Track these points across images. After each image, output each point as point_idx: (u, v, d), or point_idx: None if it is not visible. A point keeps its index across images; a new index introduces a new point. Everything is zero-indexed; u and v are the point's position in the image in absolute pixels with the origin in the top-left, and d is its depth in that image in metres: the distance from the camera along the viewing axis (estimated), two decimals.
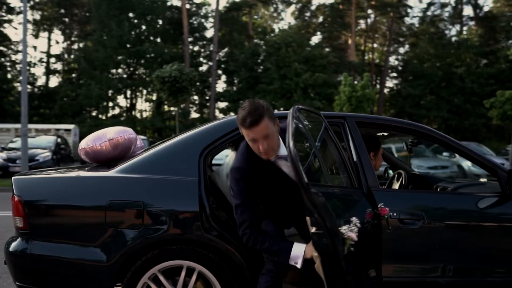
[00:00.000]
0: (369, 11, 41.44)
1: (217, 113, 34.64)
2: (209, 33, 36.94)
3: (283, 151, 2.24)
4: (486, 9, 42.95)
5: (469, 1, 42.83)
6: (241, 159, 2.28)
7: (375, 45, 44.51)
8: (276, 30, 37.07)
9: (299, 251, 2.15)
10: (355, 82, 15.63)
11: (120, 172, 2.49)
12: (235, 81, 34.93)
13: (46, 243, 2.38)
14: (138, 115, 36.18)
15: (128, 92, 34.83)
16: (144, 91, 35.58)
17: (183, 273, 2.39)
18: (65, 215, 2.40)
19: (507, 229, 2.74)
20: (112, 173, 2.49)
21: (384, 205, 2.46)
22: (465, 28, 42.78)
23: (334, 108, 15.19)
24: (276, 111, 2.77)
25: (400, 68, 44.36)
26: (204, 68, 35.96)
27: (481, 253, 2.67)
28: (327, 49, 35.35)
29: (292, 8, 41.19)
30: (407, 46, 44.56)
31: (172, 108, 34.37)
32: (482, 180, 4.38)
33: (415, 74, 36.99)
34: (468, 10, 52.07)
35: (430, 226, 2.56)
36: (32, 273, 2.37)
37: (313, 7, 40.03)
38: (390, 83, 44.67)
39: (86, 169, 2.78)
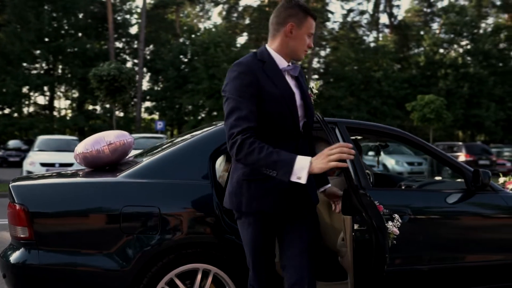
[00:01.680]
0: None
1: (142, 112, 33.72)
2: (134, 30, 35.90)
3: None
4: (399, 18, 46.27)
5: (385, 10, 45.85)
6: (246, 57, 2.03)
7: None
8: (203, 30, 36.91)
9: (303, 163, 1.76)
10: None
11: (130, 177, 2.45)
12: (161, 80, 34.27)
13: (55, 252, 2.27)
14: (56, 113, 34.17)
15: (46, 89, 32.69)
16: (62, 88, 33.67)
17: (199, 276, 2.42)
18: (76, 223, 2.31)
19: (474, 220, 3.11)
20: (123, 178, 2.44)
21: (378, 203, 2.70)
22: (381, 35, 45.73)
23: None
24: None
25: (322, 70, 46.30)
26: (128, 65, 34.85)
27: (454, 242, 3.02)
28: (253, 50, 35.92)
29: (220, 8, 41.30)
30: (328, 49, 46.65)
31: (95, 107, 32.96)
32: (437, 178, 4.83)
33: (336, 77, 38.80)
34: (384, 18, 55.71)
35: (414, 221, 2.84)
36: (40, 284, 2.26)
37: (240, 8, 40.38)
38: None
39: (86, 173, 2.70)
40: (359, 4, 46.63)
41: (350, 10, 46.45)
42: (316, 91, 2.38)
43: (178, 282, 2.38)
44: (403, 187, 3.99)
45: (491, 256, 3.10)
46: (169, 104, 32.67)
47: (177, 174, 2.50)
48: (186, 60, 32.74)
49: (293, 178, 1.77)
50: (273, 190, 1.93)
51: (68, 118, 32.09)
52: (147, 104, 35.07)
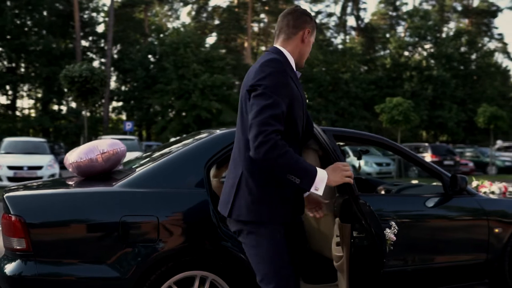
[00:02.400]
0: (262, 15, 42.98)
1: (110, 112, 33.10)
2: (101, 28, 35.20)
3: None
4: (366, 20, 47.27)
5: (352, 13, 46.75)
6: (275, 55, 1.92)
7: (264, 48, 46.26)
8: (171, 29, 36.60)
9: (323, 175, 1.77)
10: None
11: (127, 186, 2.46)
12: (130, 80, 33.75)
13: (54, 263, 2.26)
14: (19, 113, 33.08)
15: (8, 88, 31.57)
16: (26, 87, 32.61)
17: (196, 283, 2.46)
18: (74, 233, 2.30)
19: (451, 223, 3.28)
20: (120, 187, 2.46)
21: None
22: (348, 37, 46.60)
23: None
24: None
25: None
26: (95, 65, 34.12)
27: (434, 244, 3.18)
28: (222, 51, 35.89)
29: (189, 8, 41.06)
30: None
31: (61, 108, 32.11)
32: (414, 182, 5.04)
33: (305, 78, 39.25)
34: (351, 21, 56.78)
35: (399, 224, 2.98)
36: None
37: (210, 9, 40.24)
38: None
39: (80, 183, 2.69)
40: (327, 6, 47.39)
41: (318, 12, 47.10)
42: None
43: None
44: (382, 192, 4.16)
45: (466, 256, 3.28)
46: (137, 105, 32.22)
47: (174, 183, 2.54)
48: (155, 60, 32.36)
49: (312, 189, 1.77)
50: (290, 199, 1.91)
51: (32, 118, 31.14)
52: (115, 104, 34.51)
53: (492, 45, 47.53)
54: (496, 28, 50.60)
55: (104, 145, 2.77)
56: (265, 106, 1.74)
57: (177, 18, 43.26)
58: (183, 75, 29.59)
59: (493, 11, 48.38)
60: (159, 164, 2.62)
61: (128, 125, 22.33)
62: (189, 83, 29.45)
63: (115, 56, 33.27)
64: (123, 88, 35.02)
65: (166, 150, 3.06)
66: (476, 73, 41.66)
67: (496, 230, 3.36)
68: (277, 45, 2.02)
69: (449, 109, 36.75)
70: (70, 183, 2.77)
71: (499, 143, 22.89)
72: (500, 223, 3.39)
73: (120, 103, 34.27)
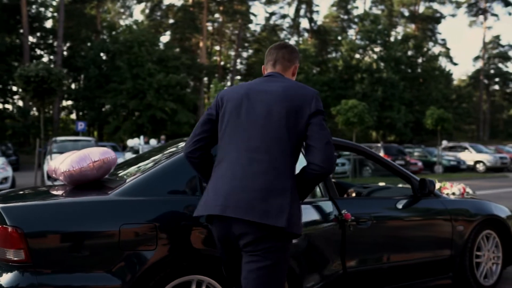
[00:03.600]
0: (216, 15, 42.94)
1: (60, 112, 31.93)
2: (50, 24, 33.86)
3: None
4: (319, 23, 48.33)
5: (305, 15, 47.65)
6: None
7: (218, 48, 46.25)
8: (124, 27, 35.80)
9: None
10: (211, 86, 16.31)
11: (124, 195, 2.50)
12: (81, 79, 32.73)
13: (54, 274, 2.26)
14: None
15: None
16: None
17: (193, 287, 2.55)
18: (74, 243, 2.29)
19: (420, 222, 3.55)
20: (117, 196, 2.49)
21: (347, 211, 3.04)
22: (301, 38, 47.47)
23: (203, 111, 15.54)
24: None
25: (243, 71, 46.98)
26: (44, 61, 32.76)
27: (406, 242, 3.43)
28: (176, 50, 35.56)
29: (142, 5, 40.30)
30: (250, 51, 47.47)
31: (7, 107, 30.56)
32: (381, 184, 5.33)
33: None
34: (305, 23, 57.81)
35: (375, 225, 3.20)
36: None
37: (164, 7, 39.69)
38: None
39: (75, 191, 2.69)
40: (281, 8, 48.07)
41: (272, 14, 47.66)
42: None
43: None
44: (353, 194, 4.40)
45: (433, 253, 3.56)
46: (89, 104, 31.29)
47: (169, 189, 2.61)
48: (108, 58, 31.54)
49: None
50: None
51: None
52: (65, 103, 33.34)
53: (437, 49, 50.09)
54: (440, 33, 53.28)
55: (96, 154, 2.78)
56: (328, 132, 1.99)
57: (130, 15, 42.33)
58: (138, 74, 29.09)
59: (437, 18, 50.97)
60: (154, 172, 2.67)
61: (81, 125, 21.64)
62: (143, 83, 28.98)
63: (65, 53, 32.12)
64: (73, 86, 33.88)
65: (156, 157, 3.11)
66: (422, 76, 43.74)
67: (458, 228, 3.67)
68: (279, 72, 2.18)
69: (397, 110, 38.34)
70: (61, 192, 2.77)
71: (444, 143, 24.19)
72: (462, 221, 3.71)
73: (70, 102, 33.17)
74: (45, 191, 2.88)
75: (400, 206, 3.48)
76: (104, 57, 31.58)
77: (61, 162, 2.80)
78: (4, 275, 2.30)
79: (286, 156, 1.95)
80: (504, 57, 56.60)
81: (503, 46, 56.61)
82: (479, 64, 56.46)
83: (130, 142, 15.07)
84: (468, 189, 4.34)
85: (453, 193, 4.15)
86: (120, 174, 3.06)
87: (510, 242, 4.08)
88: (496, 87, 59.88)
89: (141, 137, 16.10)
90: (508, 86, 59.80)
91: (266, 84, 2.07)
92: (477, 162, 22.47)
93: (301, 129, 1.96)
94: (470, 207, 3.87)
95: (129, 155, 13.56)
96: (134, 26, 32.94)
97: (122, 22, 39.55)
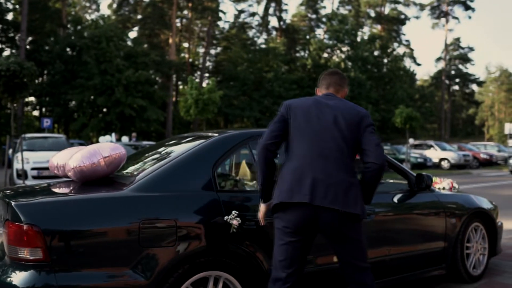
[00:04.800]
0: (185, 11, 42.51)
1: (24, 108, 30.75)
2: (10, 16, 32.52)
3: None
4: (287, 21, 48.67)
5: (274, 13, 47.87)
6: None
7: (187, 45, 45.84)
8: (90, 21, 34.90)
9: None
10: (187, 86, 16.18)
11: (141, 190, 2.46)
12: (46, 74, 31.67)
13: (73, 272, 2.19)
14: None
15: None
16: None
17: (211, 283, 2.54)
18: (93, 240, 2.24)
19: (419, 215, 3.66)
20: (134, 192, 2.45)
21: None
22: (270, 37, 47.66)
23: (180, 110, 15.37)
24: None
25: (211, 68, 46.77)
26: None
27: (406, 234, 3.54)
28: (145, 46, 35.00)
29: (110, 0, 39.40)
30: (219, 48, 47.30)
31: None
32: None
33: (229, 76, 39.57)
34: (273, 21, 58.07)
35: (375, 219, 3.29)
36: None
37: (133, 2, 38.94)
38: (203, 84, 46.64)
39: (89, 188, 2.63)
40: (250, 6, 48.06)
41: (241, 11, 47.62)
42: None
43: None
44: None
45: (429, 244, 3.68)
46: (55, 100, 30.32)
47: (185, 185, 2.59)
48: (74, 53, 30.64)
49: None
50: None
51: None
52: (28, 99, 32.14)
53: (401, 50, 51.43)
54: (404, 34, 54.80)
55: (106, 149, 2.74)
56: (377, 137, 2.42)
57: (97, 10, 41.28)
58: (106, 70, 28.43)
59: (402, 19, 52.34)
60: (169, 167, 2.64)
61: (46, 122, 21.02)
62: (112, 79, 28.36)
63: (28, 46, 30.96)
64: (36, 81, 32.72)
65: (164, 152, 3.08)
66: (388, 75, 44.76)
67: (451, 221, 3.82)
68: (334, 93, 2.56)
69: (365, 109, 39.10)
70: (72, 188, 2.70)
71: (411, 141, 24.90)
72: (454, 215, 3.86)
73: (32, 98, 32.03)
74: (55, 188, 2.80)
75: (396, 200, 3.57)
76: (70, 52, 30.66)
77: (70, 158, 2.73)
78: (18, 274, 2.23)
79: (350, 158, 2.36)
80: (464, 59, 58.83)
81: (463, 48, 58.82)
82: (441, 65, 58.45)
83: (102, 139, 14.73)
84: (455, 184, 4.51)
85: (443, 188, 4.31)
86: (125, 170, 3.02)
87: (495, 234, 4.27)
88: (456, 87, 62.17)
89: (113, 134, 15.77)
90: (468, 87, 62.19)
91: (328, 100, 2.45)
92: (442, 159, 23.27)
93: (358, 138, 2.37)
94: (461, 201, 4.03)
95: None
96: (101, 21, 32.16)
97: (88, 17, 38.54)
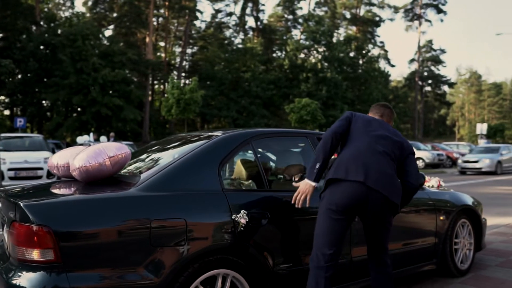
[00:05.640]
0: (161, 10, 42.12)
1: None
2: None
3: None
4: (265, 22, 48.81)
5: (251, 13, 47.94)
6: None
7: (163, 44, 45.42)
8: (64, 19, 34.17)
9: None
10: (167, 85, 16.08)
11: (147, 190, 2.46)
12: (18, 72, 30.82)
13: (85, 272, 2.18)
14: None
15: None
16: None
17: (219, 281, 2.56)
18: (105, 240, 2.22)
19: (414, 212, 3.76)
20: (142, 191, 2.45)
21: None
22: (248, 37, 47.69)
23: (161, 110, 15.24)
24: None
25: (188, 68, 46.49)
26: None
27: (400, 231, 3.61)
28: (121, 44, 34.53)
29: None
30: (196, 48, 47.05)
31: None
32: None
33: (207, 76, 39.42)
34: (251, 21, 58.08)
35: None
36: None
37: (108, 0, 38.31)
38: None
39: (88, 188, 2.61)
40: (226, 5, 47.96)
41: (218, 11, 47.50)
42: None
43: None
44: None
45: (422, 240, 3.80)
46: (28, 99, 29.57)
47: (192, 184, 2.60)
48: (49, 51, 29.94)
49: None
50: None
51: None
52: (1, 97, 31.29)
53: (376, 51, 52.32)
54: (379, 36, 55.74)
55: (112, 149, 2.72)
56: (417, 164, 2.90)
57: (71, 7, 40.43)
58: (82, 69, 27.91)
59: (377, 21, 53.25)
60: (175, 166, 2.65)
61: (20, 122, 20.52)
62: (88, 78, 27.87)
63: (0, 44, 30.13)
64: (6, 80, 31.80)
65: (165, 151, 3.09)
66: (363, 76, 45.46)
67: (441, 218, 3.95)
68: (386, 120, 3.03)
69: (341, 109, 39.60)
70: (77, 188, 2.68)
71: None
72: (444, 211, 3.99)
73: (2, 97, 31.17)
74: (60, 188, 2.77)
75: None
76: (44, 50, 29.97)
77: (74, 158, 2.71)
78: (28, 276, 2.19)
79: (394, 164, 2.76)
80: (436, 61, 60.27)
81: (435, 50, 60.26)
82: (414, 66, 59.70)
83: (80, 139, 14.50)
84: (442, 182, 4.66)
85: (432, 186, 4.45)
86: (129, 169, 3.01)
87: (480, 229, 4.44)
88: (429, 88, 63.64)
89: (91, 134, 15.52)
90: (439, 88, 63.73)
91: (384, 123, 2.92)
92: (417, 158, 23.79)
93: (399, 157, 2.79)
94: (450, 198, 4.17)
95: None
96: (75, 19, 31.55)
97: (62, 14, 37.71)
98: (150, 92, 40.08)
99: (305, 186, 2.68)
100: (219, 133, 3.03)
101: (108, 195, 2.45)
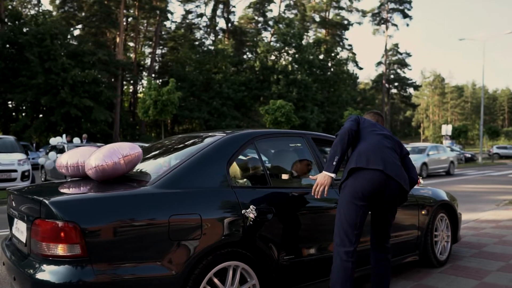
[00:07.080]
0: (131, 10, 41.61)
1: None
2: None
3: None
4: (235, 23, 48.93)
5: (222, 15, 47.97)
6: None
7: (132, 45, 44.86)
8: (30, 17, 33.26)
9: None
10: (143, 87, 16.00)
11: (163, 187, 2.61)
12: None
13: (109, 266, 2.30)
14: None
15: None
16: None
17: (230, 272, 2.73)
18: (129, 235, 2.36)
19: (399, 208, 4.03)
20: (158, 188, 2.59)
21: None
22: (218, 38, 47.70)
23: (138, 111, 15.15)
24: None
25: (158, 69, 46.09)
26: None
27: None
28: (89, 44, 33.93)
29: None
30: (166, 49, 46.71)
31: None
32: None
33: (178, 77, 39.23)
34: (221, 23, 58.04)
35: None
36: None
37: None
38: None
39: (103, 185, 2.73)
40: (197, 6, 47.81)
41: (188, 12, 47.29)
42: None
43: (215, 280, 2.66)
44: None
45: (407, 233, 4.08)
46: None
47: (203, 182, 2.76)
48: (15, 50, 29.09)
49: None
50: None
51: None
52: None
53: (344, 54, 53.36)
54: (347, 39, 56.78)
55: (125, 149, 2.84)
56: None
57: (37, 5, 39.36)
58: (50, 69, 27.29)
59: (345, 25, 54.30)
60: (187, 165, 2.80)
61: None
62: (57, 78, 27.28)
63: None
64: None
65: (169, 151, 3.24)
66: (333, 78, 46.30)
67: (423, 212, 4.25)
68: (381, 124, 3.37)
69: (311, 111, 40.24)
70: (92, 186, 2.79)
71: None
72: (425, 206, 4.29)
73: None
74: (75, 186, 2.87)
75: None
76: (10, 49, 29.11)
77: (90, 157, 2.82)
78: (54, 271, 2.29)
79: (396, 156, 3.08)
80: (402, 64, 62.03)
81: (401, 54, 62.01)
82: (381, 69, 61.22)
83: (53, 141, 14.23)
84: (421, 180, 4.98)
85: None
86: (137, 168, 3.14)
87: (456, 223, 4.78)
88: (395, 90, 65.40)
89: (63, 135, 15.24)
90: (405, 90, 65.60)
91: (381, 125, 3.30)
92: None
93: (400, 154, 3.15)
94: (430, 194, 4.48)
95: (53, 155, 12.79)
96: (42, 17, 30.78)
97: (28, 12, 36.70)
98: (119, 93, 39.51)
99: (323, 178, 2.87)
100: (222, 134, 3.20)
101: (128, 192, 2.57)
